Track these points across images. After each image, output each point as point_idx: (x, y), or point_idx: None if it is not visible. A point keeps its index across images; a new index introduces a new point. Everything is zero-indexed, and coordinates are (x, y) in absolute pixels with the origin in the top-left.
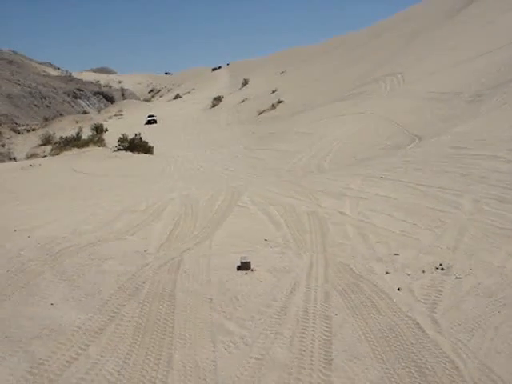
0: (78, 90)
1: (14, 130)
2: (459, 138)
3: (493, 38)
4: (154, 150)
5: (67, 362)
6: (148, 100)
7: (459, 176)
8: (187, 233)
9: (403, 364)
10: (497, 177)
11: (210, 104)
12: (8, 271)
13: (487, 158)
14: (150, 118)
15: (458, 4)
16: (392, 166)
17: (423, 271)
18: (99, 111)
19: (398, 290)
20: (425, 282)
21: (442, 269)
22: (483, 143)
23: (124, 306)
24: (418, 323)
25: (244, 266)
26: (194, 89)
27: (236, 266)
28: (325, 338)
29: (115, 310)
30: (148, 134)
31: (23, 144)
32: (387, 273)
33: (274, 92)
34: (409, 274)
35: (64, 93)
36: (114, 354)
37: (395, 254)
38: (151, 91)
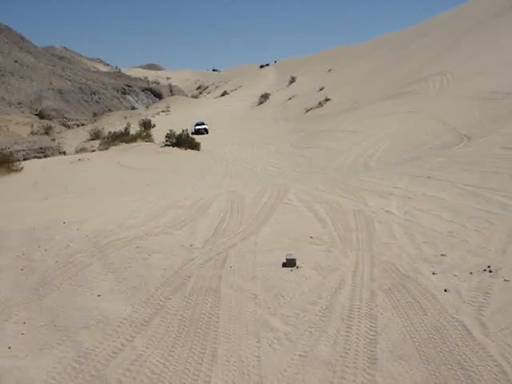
0: (127, 85)
1: (64, 125)
2: (509, 138)
3: None
4: (201, 146)
5: (113, 352)
6: (195, 96)
7: (509, 177)
8: (233, 229)
9: (449, 366)
10: None
11: (257, 101)
12: (57, 262)
13: None
14: (198, 127)
15: (508, 3)
16: (440, 166)
17: (471, 273)
18: (147, 107)
19: (445, 291)
20: (472, 283)
21: (490, 271)
22: None
23: (170, 299)
24: (464, 325)
25: (289, 263)
26: (241, 86)
27: (281, 263)
28: (370, 337)
29: (161, 303)
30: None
31: (73, 138)
32: (434, 273)
33: (321, 90)
34: (456, 276)
35: (113, 88)
36: (159, 347)
37: (442, 255)
38: (199, 88)
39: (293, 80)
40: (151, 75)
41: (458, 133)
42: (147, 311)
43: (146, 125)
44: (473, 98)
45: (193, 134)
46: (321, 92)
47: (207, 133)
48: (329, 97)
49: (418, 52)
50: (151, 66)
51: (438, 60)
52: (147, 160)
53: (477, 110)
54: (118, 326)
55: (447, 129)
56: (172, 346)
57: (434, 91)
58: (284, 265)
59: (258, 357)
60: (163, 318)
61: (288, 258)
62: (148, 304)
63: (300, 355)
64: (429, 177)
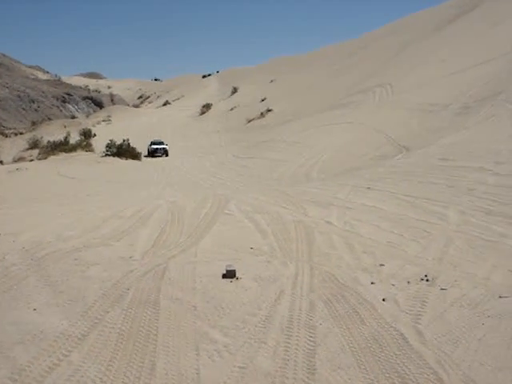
0: (67, 94)
1: (2, 134)
2: (447, 149)
3: (481, 51)
4: (142, 157)
5: (49, 368)
6: (137, 106)
7: (446, 187)
8: (173, 240)
9: (387, 375)
10: (484, 189)
11: (199, 111)
12: None
13: (474, 169)
14: (155, 147)
15: (447, 17)
16: (380, 177)
17: (408, 282)
18: (88, 116)
19: (383, 300)
20: (410, 292)
21: (427, 280)
22: (470, 155)
23: (108, 312)
24: (402, 334)
25: (229, 274)
26: (183, 96)
27: (221, 274)
28: (309, 347)
29: (99, 317)
30: (136, 141)
31: (10, 148)
32: (372, 283)
33: (263, 100)
34: (394, 285)
35: (53, 97)
36: (97, 361)
37: (381, 265)
38: (140, 97)
39: (235, 90)
40: (92, 84)
41: (397, 144)
42: (84, 325)
43: (87, 134)
44: (412, 110)
45: (149, 155)
46: (263, 102)
47: (167, 155)
48: (271, 107)
49: (360, 64)
50: (92, 75)
51: (378, 72)
52: (87, 170)
53: (416, 121)
54: (54, 341)
55: (387, 140)
56: (110, 361)
57: (375, 103)
58: (224, 276)
59: (197, 369)
60: (101, 332)
61: (228, 269)
62: (85, 318)
63: (240, 367)
64: (368, 187)
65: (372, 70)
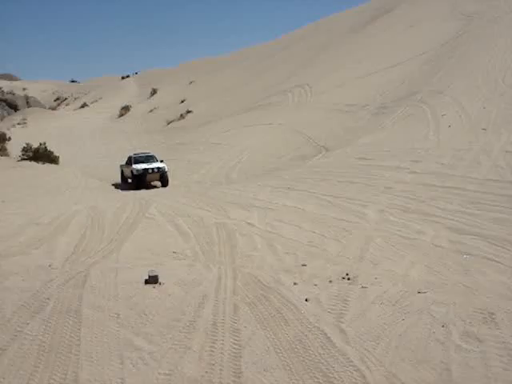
0: None
1: None
2: (365, 149)
3: (397, 52)
4: (60, 160)
5: None
6: (54, 108)
7: (365, 186)
8: (94, 246)
9: (311, 374)
10: (401, 187)
11: (118, 113)
12: None
13: (391, 168)
14: (145, 168)
15: (365, 19)
16: (299, 177)
17: (330, 281)
18: (2, 119)
19: (306, 300)
20: (332, 292)
21: (349, 278)
22: (388, 154)
23: (27, 323)
24: (325, 333)
25: (152, 280)
26: (101, 97)
27: (144, 280)
28: (234, 350)
29: (18, 329)
30: (53, 143)
31: None
32: (295, 284)
33: (182, 102)
34: (316, 285)
35: None
36: (18, 375)
37: (303, 265)
38: (57, 99)
39: (154, 92)
40: (5, 85)
41: (316, 144)
42: (3, 338)
43: (1, 138)
44: (330, 110)
45: (125, 182)
46: (182, 104)
47: (165, 183)
48: (190, 109)
49: (279, 65)
50: (5, 76)
51: (297, 73)
52: (2, 175)
53: (334, 121)
54: None
55: (306, 140)
56: (31, 374)
57: (294, 104)
58: (147, 281)
59: (121, 378)
60: (21, 345)
61: (150, 274)
62: (4, 330)
63: (165, 374)
64: (289, 188)
65: (291, 71)
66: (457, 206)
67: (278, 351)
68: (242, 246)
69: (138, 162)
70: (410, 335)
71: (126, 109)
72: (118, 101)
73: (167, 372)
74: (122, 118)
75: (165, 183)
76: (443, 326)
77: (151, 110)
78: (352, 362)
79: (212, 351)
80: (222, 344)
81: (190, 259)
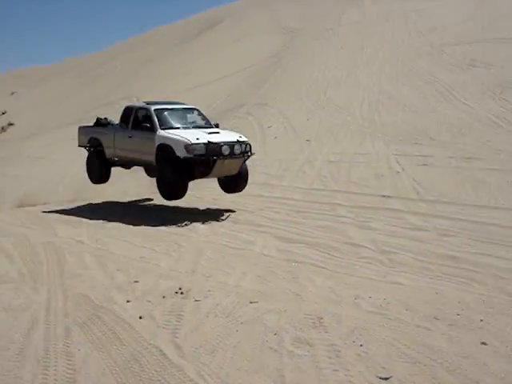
0: None
1: None
2: None
3: (224, 64)
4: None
5: None
6: None
7: (196, 199)
8: None
9: None
10: (230, 199)
11: None
12: None
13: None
14: (212, 140)
15: (193, 31)
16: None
17: (164, 297)
18: None
19: (140, 318)
20: (166, 307)
21: (182, 293)
22: None
23: None
24: (161, 350)
25: None
26: None
27: None
28: (68, 376)
29: None
30: None
31: None
32: (128, 301)
33: (3, 114)
34: (150, 301)
35: None
36: None
37: (135, 281)
38: None
39: None
40: None
41: None
42: None
43: None
44: None
45: (168, 175)
46: (3, 116)
47: (244, 183)
48: (12, 121)
49: (105, 76)
50: None
51: (124, 85)
52: None
53: None
54: None
55: None
56: None
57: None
58: None
59: None
60: None
61: None
62: None
63: None
64: (117, 202)
65: (118, 82)
66: (284, 216)
67: (114, 372)
68: (72, 266)
69: (170, 122)
70: (244, 345)
71: None
72: None
73: None
74: None
75: (242, 183)
76: (275, 334)
77: None
78: (189, 376)
79: (45, 379)
80: (55, 370)
81: (16, 282)
